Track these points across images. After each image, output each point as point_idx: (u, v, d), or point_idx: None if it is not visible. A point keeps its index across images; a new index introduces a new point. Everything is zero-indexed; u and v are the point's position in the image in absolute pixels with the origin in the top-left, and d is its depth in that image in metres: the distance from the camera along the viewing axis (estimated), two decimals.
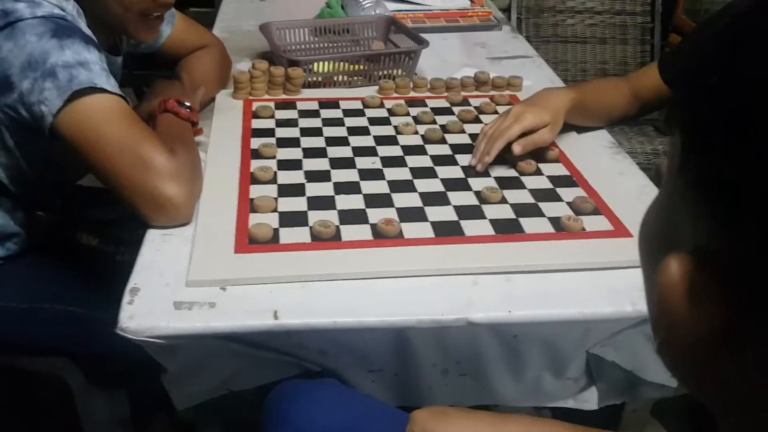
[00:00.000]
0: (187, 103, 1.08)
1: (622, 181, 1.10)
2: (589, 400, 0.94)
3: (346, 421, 0.76)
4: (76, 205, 1.24)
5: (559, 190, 1.04)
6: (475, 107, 1.31)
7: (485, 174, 1.08)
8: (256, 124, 1.21)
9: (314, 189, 1.01)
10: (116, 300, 0.79)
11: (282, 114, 1.25)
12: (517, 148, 1.06)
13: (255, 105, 1.26)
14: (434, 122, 1.24)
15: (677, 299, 0.29)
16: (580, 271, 0.88)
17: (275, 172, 1.05)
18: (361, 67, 1.41)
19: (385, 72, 1.41)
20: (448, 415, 0.69)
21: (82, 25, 1.01)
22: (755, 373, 0.27)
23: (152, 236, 0.91)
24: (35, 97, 0.91)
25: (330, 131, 1.19)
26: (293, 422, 0.74)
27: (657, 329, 0.32)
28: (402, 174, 1.07)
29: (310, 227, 0.91)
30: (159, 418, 1.39)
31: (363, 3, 1.70)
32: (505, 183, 1.05)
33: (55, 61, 0.91)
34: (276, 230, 0.91)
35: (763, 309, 0.26)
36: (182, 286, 0.81)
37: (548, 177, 1.07)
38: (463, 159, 1.12)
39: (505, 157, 1.10)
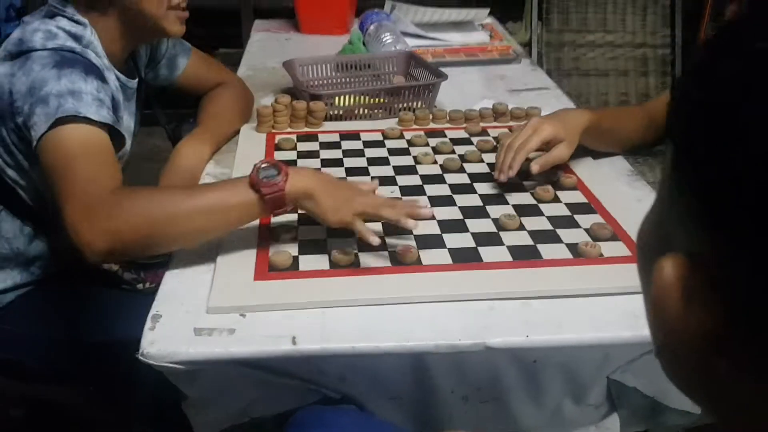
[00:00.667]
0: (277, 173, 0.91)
1: (640, 207, 1.09)
2: (611, 427, 0.93)
3: None
4: None
5: (576, 217, 1.04)
6: (493, 137, 1.32)
7: (503, 201, 1.08)
8: (279, 155, 1.23)
9: None
10: (137, 328, 0.80)
11: (304, 146, 1.27)
12: (535, 167, 1.07)
13: (277, 137, 1.29)
14: (453, 152, 1.25)
15: (672, 300, 0.29)
16: (597, 296, 0.88)
17: None
18: (382, 100, 1.43)
19: (406, 105, 1.43)
20: None
21: (95, 51, 1.05)
22: (750, 376, 0.28)
23: (175, 266, 0.92)
24: (30, 121, 0.96)
25: (350, 162, 1.21)
26: None
27: (655, 333, 0.33)
28: (421, 202, 1.08)
29: (329, 255, 0.93)
30: None
31: (384, 40, 1.74)
32: (523, 210, 1.05)
33: (49, 89, 0.96)
34: (295, 258, 0.92)
35: (754, 312, 0.27)
36: (203, 313, 0.82)
37: (566, 204, 1.08)
38: (482, 187, 1.13)
39: (523, 184, 1.11)
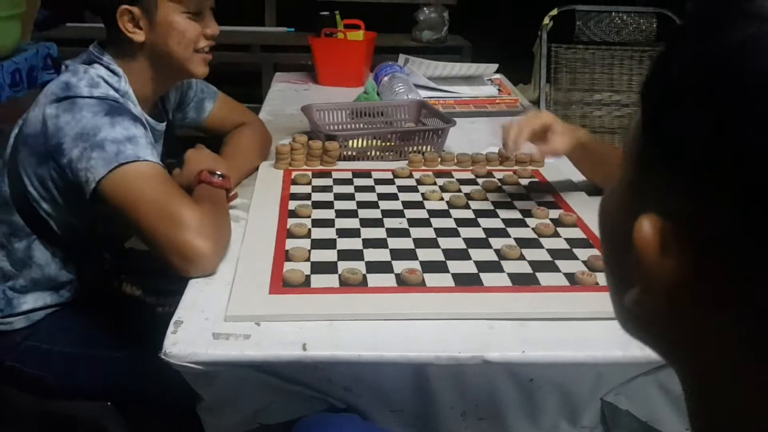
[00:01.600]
0: (219, 172, 1.19)
1: None
2: None
3: None
4: (124, 259, 1.34)
5: (575, 250, 1.10)
6: (498, 179, 1.39)
7: (505, 234, 1.15)
8: (295, 189, 1.31)
9: (344, 243, 1.09)
10: (157, 349, 0.85)
11: (318, 181, 1.35)
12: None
13: (294, 173, 1.37)
14: (459, 191, 1.33)
15: (651, 254, 0.33)
16: (592, 320, 0.93)
17: (309, 229, 1.13)
18: (393, 143, 1.51)
19: (416, 149, 1.51)
20: None
21: (132, 102, 1.15)
22: (721, 325, 0.32)
23: (195, 280, 0.99)
24: (83, 164, 1.04)
25: (361, 196, 1.28)
26: None
27: (625, 290, 0.36)
28: (427, 233, 1.14)
29: (339, 274, 0.99)
30: None
31: (397, 89, 1.83)
32: (523, 243, 1.11)
33: (105, 135, 1.04)
34: (308, 276, 0.98)
35: (723, 260, 0.30)
36: (221, 321, 0.88)
37: (565, 239, 1.14)
38: (485, 222, 1.19)
39: (525, 220, 1.18)
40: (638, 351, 0.87)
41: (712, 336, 0.33)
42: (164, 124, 1.33)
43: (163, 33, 1.15)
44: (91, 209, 1.12)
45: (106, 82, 1.13)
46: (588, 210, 1.25)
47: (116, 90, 1.13)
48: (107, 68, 1.15)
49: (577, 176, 1.42)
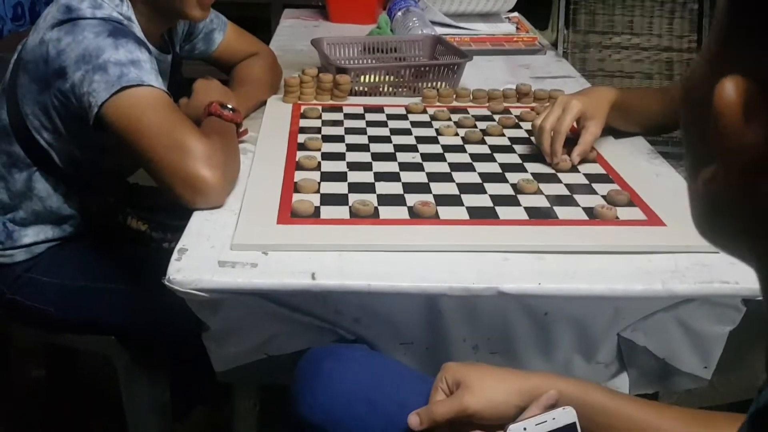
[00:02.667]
0: (230, 105, 1.14)
1: (659, 180, 1.11)
2: (621, 386, 0.94)
3: (374, 380, 0.78)
4: (129, 193, 1.31)
5: (594, 185, 1.06)
6: (515, 116, 1.34)
7: (522, 169, 1.11)
8: (304, 123, 1.27)
9: (355, 176, 1.06)
10: (161, 283, 0.82)
11: (328, 116, 1.31)
12: (576, 159, 1.11)
13: (303, 107, 1.32)
14: (475, 126, 1.28)
15: (734, 118, 0.29)
16: (612, 254, 0.90)
17: (319, 162, 1.10)
18: (407, 79, 1.46)
19: (430, 85, 1.46)
20: (478, 367, 0.71)
21: (136, 27, 1.09)
22: None
23: (201, 210, 0.96)
24: (85, 88, 0.99)
25: (373, 131, 1.24)
26: (322, 379, 0.77)
27: (704, 165, 0.33)
28: (441, 168, 1.10)
29: (350, 206, 0.96)
30: (197, 410, 1.43)
31: (411, 25, 1.77)
32: (541, 177, 1.07)
33: (107, 57, 0.99)
34: (317, 207, 0.95)
35: None
36: (227, 249, 0.86)
37: (584, 174, 1.10)
38: (502, 157, 1.15)
39: (542, 155, 1.13)
40: (659, 285, 0.84)
41: None
42: (170, 56, 1.28)
43: None
44: (94, 139, 1.09)
45: (109, 5, 1.08)
46: (610, 145, 1.21)
47: (119, 14, 1.08)
48: None
49: None
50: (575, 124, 1.14)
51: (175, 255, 0.84)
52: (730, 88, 0.29)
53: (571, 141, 1.12)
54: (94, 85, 0.98)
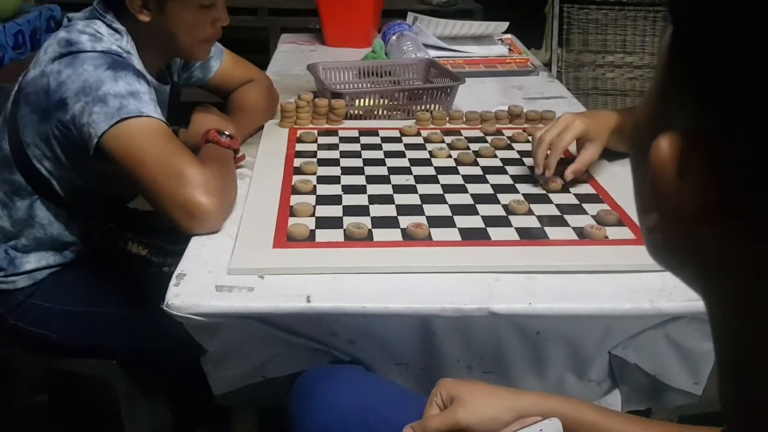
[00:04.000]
0: (227, 132, 1.17)
1: None
2: (613, 404, 0.96)
3: (369, 400, 0.80)
4: (128, 219, 1.33)
5: (584, 205, 1.08)
6: (507, 137, 1.37)
7: (514, 190, 1.13)
8: (300, 147, 1.29)
9: (350, 199, 1.08)
10: (161, 302, 0.84)
11: (324, 139, 1.33)
12: (569, 176, 1.12)
13: (299, 132, 1.35)
14: (467, 148, 1.30)
15: (668, 176, 0.30)
16: (601, 273, 0.92)
17: (315, 185, 1.12)
18: (401, 102, 1.49)
19: (423, 108, 1.49)
20: (472, 383, 0.73)
21: (135, 60, 1.12)
22: (744, 243, 0.29)
23: (199, 235, 0.98)
24: (85, 119, 1.02)
25: (368, 154, 1.26)
26: (318, 400, 0.79)
27: (648, 212, 0.34)
28: (434, 189, 1.13)
29: (344, 229, 0.98)
30: (198, 430, 1.44)
31: (405, 49, 1.80)
32: (532, 198, 1.09)
33: (107, 89, 1.02)
34: (312, 231, 0.97)
35: (746, 183, 0.28)
36: (224, 274, 0.88)
37: (575, 194, 1.12)
38: (494, 179, 1.17)
39: (533, 176, 1.15)
40: (647, 304, 0.86)
41: (730, 269, 0.31)
42: (168, 86, 1.30)
43: (171, 21, 1.12)
44: (94, 167, 1.11)
45: (109, 38, 1.10)
46: (601, 165, 1.23)
47: (119, 47, 1.11)
48: (109, 26, 1.12)
49: None
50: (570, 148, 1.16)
51: (173, 280, 0.86)
52: (664, 146, 0.30)
53: (565, 162, 1.14)
54: (94, 116, 1.00)
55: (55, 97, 1.04)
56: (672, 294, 0.86)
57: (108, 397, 1.26)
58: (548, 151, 1.12)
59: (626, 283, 0.89)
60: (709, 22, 0.29)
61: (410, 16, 2.11)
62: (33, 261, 1.18)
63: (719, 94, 0.29)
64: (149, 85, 1.09)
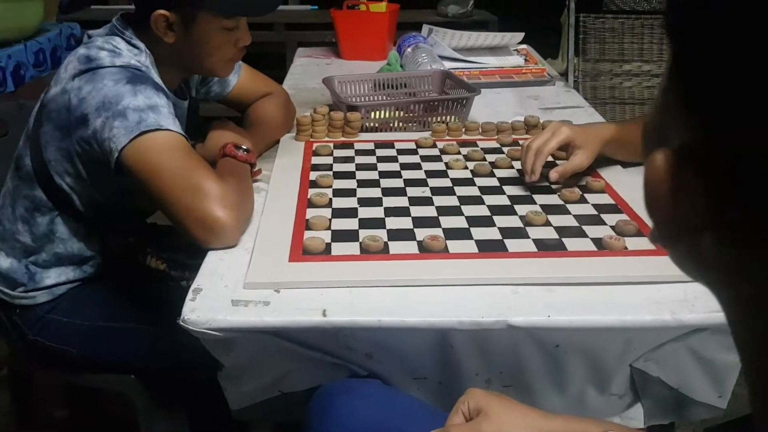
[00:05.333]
0: (244, 146, 1.17)
1: None
2: (635, 418, 0.94)
3: (385, 414, 0.79)
4: (148, 234, 1.34)
5: (603, 216, 1.07)
6: None
7: (531, 201, 1.12)
8: (316, 160, 1.29)
9: (366, 212, 1.08)
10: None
11: (340, 152, 1.33)
12: (553, 175, 1.14)
13: (315, 145, 1.35)
14: (484, 159, 1.30)
15: (663, 191, 0.31)
16: (621, 284, 0.90)
17: (330, 199, 1.12)
18: (416, 114, 1.49)
19: (439, 119, 1.48)
20: (502, 398, 0.71)
21: (154, 74, 1.13)
22: (744, 255, 0.30)
23: (215, 249, 0.98)
24: (106, 134, 1.02)
25: (384, 166, 1.26)
26: (336, 414, 0.78)
27: (650, 217, 0.34)
28: (450, 201, 1.12)
29: (360, 242, 0.97)
30: None
31: (420, 60, 1.80)
32: (549, 209, 1.08)
33: (127, 103, 1.02)
34: (328, 244, 0.97)
35: (740, 200, 0.28)
36: (240, 288, 0.87)
37: (593, 205, 1.11)
38: (510, 189, 1.16)
39: (551, 187, 1.15)
40: (669, 315, 0.84)
41: (730, 274, 0.31)
42: (186, 102, 1.31)
43: (196, 43, 1.13)
44: (115, 182, 1.12)
45: (128, 53, 1.11)
46: (617, 175, 1.22)
47: (138, 62, 1.12)
48: (128, 42, 1.13)
49: None
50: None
51: (189, 295, 0.86)
52: (660, 161, 0.31)
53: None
54: (114, 131, 1.01)
55: (76, 113, 1.05)
56: (694, 305, 0.85)
57: (127, 412, 1.27)
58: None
59: (647, 294, 0.88)
60: (703, 42, 0.29)
61: (425, 28, 2.11)
62: (53, 276, 1.19)
63: (715, 111, 0.29)
64: (168, 98, 1.10)
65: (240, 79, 1.42)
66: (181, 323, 0.81)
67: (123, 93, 1.03)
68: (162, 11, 1.09)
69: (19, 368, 1.32)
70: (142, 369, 1.21)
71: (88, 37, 1.15)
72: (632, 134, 1.21)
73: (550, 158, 1.18)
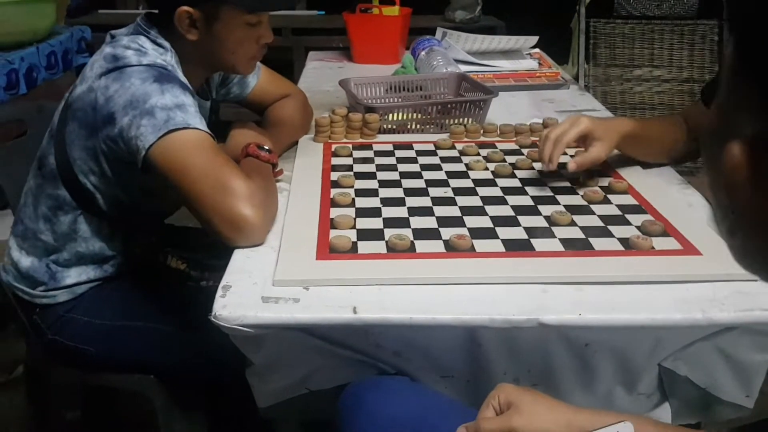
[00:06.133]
0: (266, 147, 1.17)
1: (692, 211, 1.12)
2: (663, 417, 0.94)
3: (416, 411, 0.79)
4: (168, 234, 1.33)
5: (627, 216, 1.07)
6: None
7: (554, 202, 1.12)
8: (335, 161, 1.29)
9: (390, 212, 1.07)
10: (200, 321, 0.84)
11: (359, 153, 1.33)
12: (572, 165, 1.14)
13: (334, 146, 1.35)
14: (504, 160, 1.30)
15: (742, 180, 0.31)
16: (650, 284, 0.90)
17: (353, 198, 1.12)
18: (434, 116, 1.49)
19: (456, 121, 1.48)
20: (532, 392, 0.71)
21: (180, 73, 1.13)
22: None
23: (241, 248, 0.98)
24: (133, 132, 1.02)
25: (404, 167, 1.26)
26: (367, 410, 0.78)
27: (725, 217, 0.34)
28: (473, 201, 1.12)
29: (386, 241, 0.97)
30: None
31: (435, 64, 1.80)
32: (574, 209, 1.08)
33: (154, 102, 1.02)
34: (354, 243, 0.97)
35: None
36: (269, 286, 0.87)
37: (617, 205, 1.11)
38: (533, 190, 1.16)
39: (573, 188, 1.15)
40: (699, 314, 0.84)
41: None
42: (209, 102, 1.32)
43: (219, 40, 1.13)
44: (139, 181, 1.12)
45: (155, 52, 1.11)
46: (639, 176, 1.22)
47: (163, 60, 1.12)
48: (153, 41, 1.13)
49: None
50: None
51: (219, 292, 0.85)
52: (736, 152, 0.30)
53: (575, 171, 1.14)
54: (142, 129, 1.01)
55: (103, 112, 1.05)
56: (724, 304, 0.85)
57: (145, 413, 1.26)
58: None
59: (676, 293, 0.88)
60: None
61: (439, 31, 2.12)
62: (74, 275, 1.19)
63: None
64: (194, 98, 1.10)
65: (259, 80, 1.42)
66: (213, 319, 0.81)
67: (150, 91, 1.03)
68: (185, 7, 1.09)
69: (37, 367, 1.31)
70: (162, 369, 1.21)
71: (111, 37, 1.15)
72: (650, 131, 1.22)
73: (569, 151, 1.18)
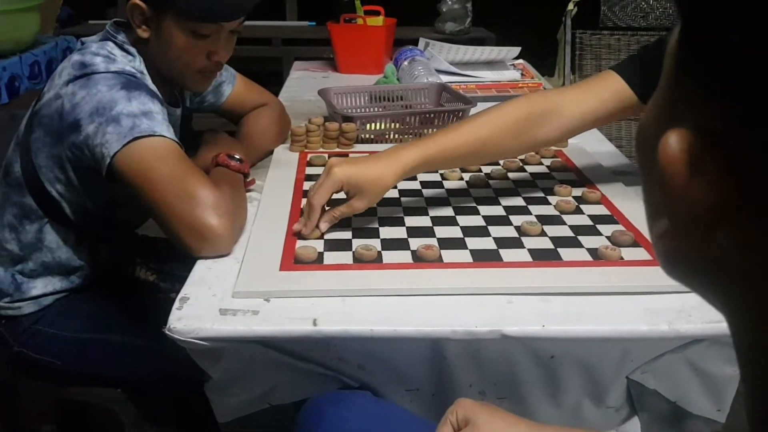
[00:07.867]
0: (237, 156, 1.15)
1: None
2: (632, 431, 0.92)
3: (377, 426, 0.77)
4: (137, 245, 1.32)
5: (599, 226, 1.06)
6: (520, 159, 1.34)
7: (526, 212, 1.10)
8: (310, 170, 1.28)
9: (359, 222, 1.06)
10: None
11: None
12: (323, 226, 1.00)
13: (309, 155, 1.34)
14: (479, 170, 1.28)
15: (678, 172, 0.29)
16: (617, 294, 0.89)
17: (324, 208, 1.10)
18: (413, 126, 1.48)
19: (435, 131, 1.47)
20: (491, 408, 0.69)
21: (148, 80, 1.12)
22: (761, 247, 0.27)
23: (204, 259, 0.96)
24: (98, 139, 1.01)
25: None
26: (324, 427, 0.76)
27: (658, 218, 0.32)
28: (445, 211, 1.11)
29: (353, 251, 0.96)
30: None
31: (416, 74, 1.80)
32: (545, 220, 1.07)
33: (120, 109, 1.01)
34: (320, 253, 0.95)
35: (762, 181, 0.26)
36: (228, 297, 0.86)
37: (588, 216, 1.09)
38: (506, 200, 1.15)
39: (547, 198, 1.13)
40: (666, 326, 0.83)
41: (748, 277, 0.28)
42: (179, 110, 1.30)
43: (163, 43, 1.11)
44: (106, 190, 1.10)
45: (122, 59, 1.10)
46: (613, 187, 1.21)
47: (132, 67, 1.11)
48: (121, 47, 1.12)
49: (602, 156, 1.38)
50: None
51: (176, 304, 0.84)
52: (674, 142, 0.28)
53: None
54: (107, 136, 1.00)
55: (69, 119, 1.04)
56: (691, 315, 0.83)
57: (115, 426, 1.24)
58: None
59: (643, 304, 0.86)
60: (719, 11, 0.27)
61: (422, 41, 2.11)
62: (39, 286, 1.17)
63: (732, 86, 0.27)
64: (162, 105, 1.08)
65: (235, 89, 1.41)
66: (167, 332, 0.79)
67: (117, 99, 1.02)
68: (137, 1, 1.08)
69: (5, 380, 1.29)
70: (130, 382, 1.19)
71: (81, 44, 1.14)
72: (446, 154, 1.05)
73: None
